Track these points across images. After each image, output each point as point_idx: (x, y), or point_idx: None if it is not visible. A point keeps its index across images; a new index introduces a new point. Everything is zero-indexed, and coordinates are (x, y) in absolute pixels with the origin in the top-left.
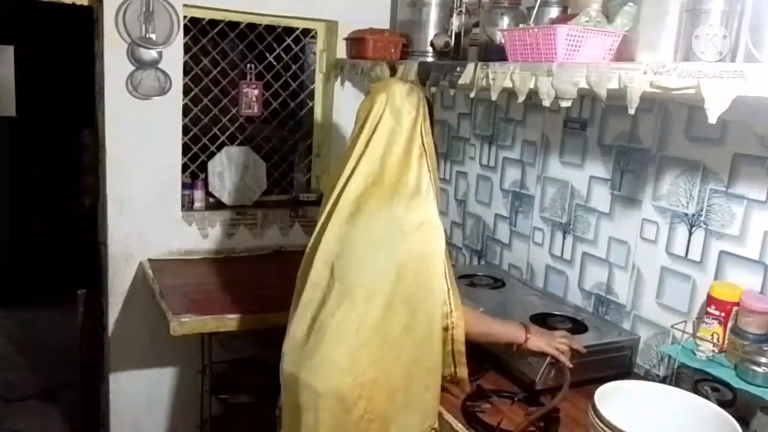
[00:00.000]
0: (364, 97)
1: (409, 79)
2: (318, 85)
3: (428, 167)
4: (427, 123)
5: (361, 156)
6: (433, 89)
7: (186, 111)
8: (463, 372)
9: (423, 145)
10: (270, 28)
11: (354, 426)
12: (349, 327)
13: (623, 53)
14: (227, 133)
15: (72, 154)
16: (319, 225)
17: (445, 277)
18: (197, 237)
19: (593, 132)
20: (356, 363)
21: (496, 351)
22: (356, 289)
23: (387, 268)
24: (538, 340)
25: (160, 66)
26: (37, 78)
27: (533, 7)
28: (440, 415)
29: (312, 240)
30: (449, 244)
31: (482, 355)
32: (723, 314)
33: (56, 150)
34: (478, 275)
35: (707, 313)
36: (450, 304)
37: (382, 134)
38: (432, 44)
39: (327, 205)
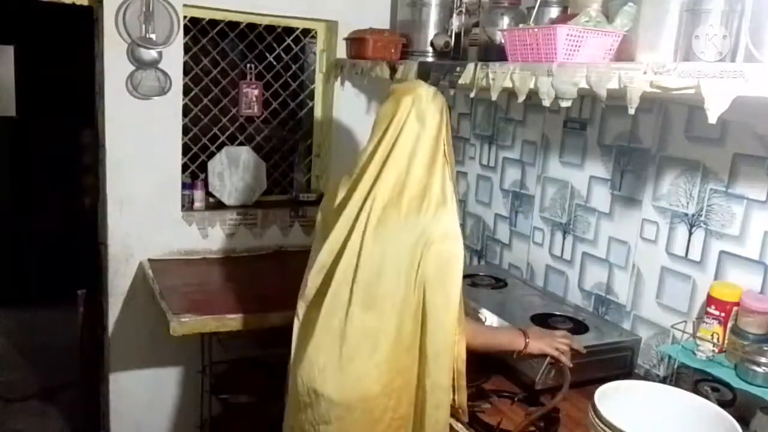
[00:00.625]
0: (387, 99)
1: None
2: (318, 85)
3: (450, 176)
4: (449, 129)
5: (385, 162)
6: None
7: (186, 111)
8: (462, 398)
9: (445, 154)
10: (270, 28)
11: None
12: (373, 338)
13: (623, 53)
14: (227, 133)
15: (72, 154)
16: (341, 234)
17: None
18: (197, 237)
19: (593, 132)
20: (383, 373)
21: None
22: (382, 299)
23: (411, 277)
24: (538, 343)
25: (160, 66)
26: (37, 78)
27: (533, 7)
28: None
29: (331, 250)
30: None
31: (483, 356)
32: (723, 314)
33: (56, 150)
34: (480, 275)
35: (707, 313)
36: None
37: (407, 139)
38: (432, 44)
39: (346, 212)
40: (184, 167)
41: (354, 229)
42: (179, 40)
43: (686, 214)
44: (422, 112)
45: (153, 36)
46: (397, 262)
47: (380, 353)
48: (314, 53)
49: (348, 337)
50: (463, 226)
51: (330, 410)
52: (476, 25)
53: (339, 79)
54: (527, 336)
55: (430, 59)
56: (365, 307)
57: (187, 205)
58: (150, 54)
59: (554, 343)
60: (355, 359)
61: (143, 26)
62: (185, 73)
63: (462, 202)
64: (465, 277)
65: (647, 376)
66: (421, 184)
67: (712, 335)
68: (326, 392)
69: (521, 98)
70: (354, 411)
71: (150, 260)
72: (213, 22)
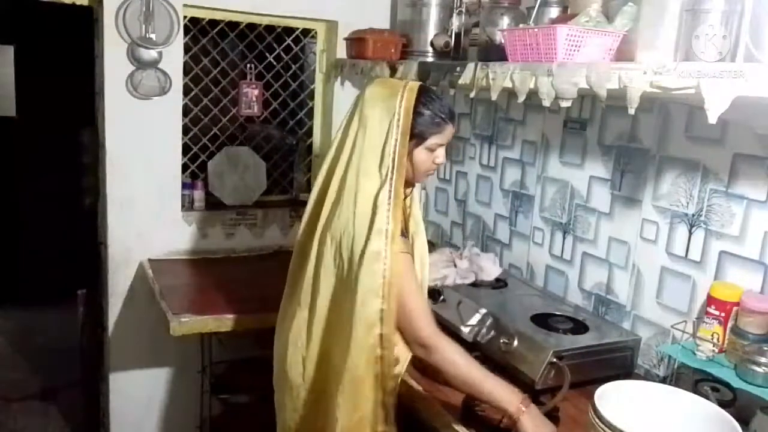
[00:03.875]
0: None
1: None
2: (318, 85)
3: (390, 183)
4: (405, 138)
5: (334, 164)
6: (433, 89)
7: (186, 111)
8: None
9: (391, 169)
10: (270, 28)
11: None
12: (307, 330)
13: (623, 53)
14: (227, 133)
15: (72, 154)
16: (304, 228)
17: (384, 297)
18: (197, 237)
19: (593, 132)
20: (310, 362)
21: (496, 351)
22: (318, 297)
23: (347, 284)
24: (531, 424)
25: (160, 66)
26: (37, 78)
27: (533, 7)
28: (440, 414)
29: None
30: (450, 244)
31: (484, 357)
32: (723, 314)
33: (56, 150)
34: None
35: (707, 313)
36: (381, 326)
37: (348, 146)
38: (432, 44)
39: (310, 207)
40: (184, 167)
41: (313, 228)
42: (179, 40)
43: (686, 214)
44: (365, 118)
45: (153, 36)
46: (331, 268)
47: (310, 346)
48: (314, 53)
49: (293, 328)
50: (463, 226)
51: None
52: (476, 25)
53: (339, 79)
54: (525, 405)
55: (430, 59)
56: (311, 304)
57: (187, 205)
58: (150, 54)
59: None
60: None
61: (143, 26)
62: (185, 73)
63: (462, 202)
64: None
65: (647, 376)
66: (355, 195)
67: (712, 335)
68: (286, 369)
69: (521, 98)
70: (294, 386)
71: (150, 260)
72: (213, 22)
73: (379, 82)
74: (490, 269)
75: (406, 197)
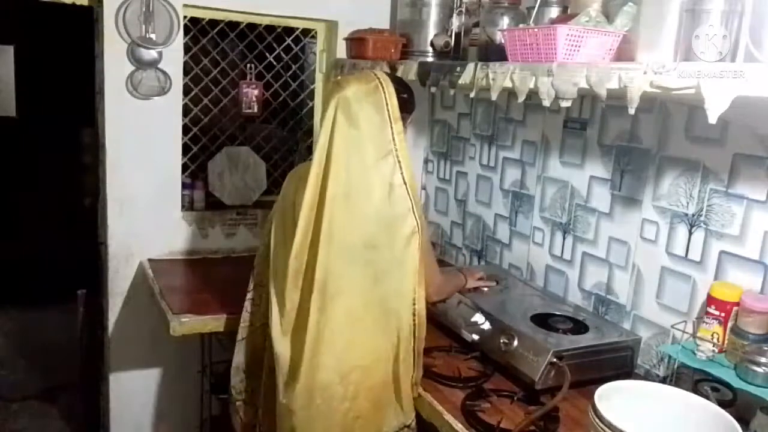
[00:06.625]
0: None
1: (384, 72)
2: (318, 85)
3: (402, 177)
4: (399, 125)
5: (326, 168)
6: (433, 89)
7: (186, 111)
8: (419, 374)
9: (396, 154)
10: (270, 28)
11: (341, 423)
12: (330, 332)
13: (623, 53)
14: (227, 133)
15: (72, 154)
16: (301, 239)
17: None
18: (197, 237)
19: (593, 132)
20: (342, 363)
21: (497, 352)
22: (335, 299)
23: (361, 274)
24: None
25: (160, 66)
26: (37, 78)
27: (533, 7)
28: (440, 414)
29: (296, 254)
30: (450, 244)
31: (484, 356)
32: (723, 314)
33: (56, 150)
34: None
35: (707, 313)
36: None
37: (340, 145)
38: (432, 44)
39: (302, 217)
40: (184, 167)
41: (312, 237)
42: (179, 40)
43: (686, 214)
44: (354, 115)
45: (153, 36)
46: (345, 264)
47: (338, 346)
48: (314, 53)
49: (311, 330)
50: (463, 225)
51: (301, 399)
52: (476, 25)
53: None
54: (466, 277)
55: (430, 59)
56: (322, 306)
57: (187, 205)
58: (150, 54)
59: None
60: (318, 350)
61: (143, 26)
62: (185, 73)
63: (462, 202)
64: None
65: (647, 376)
66: (365, 191)
67: (712, 335)
68: (299, 381)
69: (521, 98)
70: (316, 398)
71: (150, 260)
72: (213, 22)
73: (354, 80)
74: None
75: None
